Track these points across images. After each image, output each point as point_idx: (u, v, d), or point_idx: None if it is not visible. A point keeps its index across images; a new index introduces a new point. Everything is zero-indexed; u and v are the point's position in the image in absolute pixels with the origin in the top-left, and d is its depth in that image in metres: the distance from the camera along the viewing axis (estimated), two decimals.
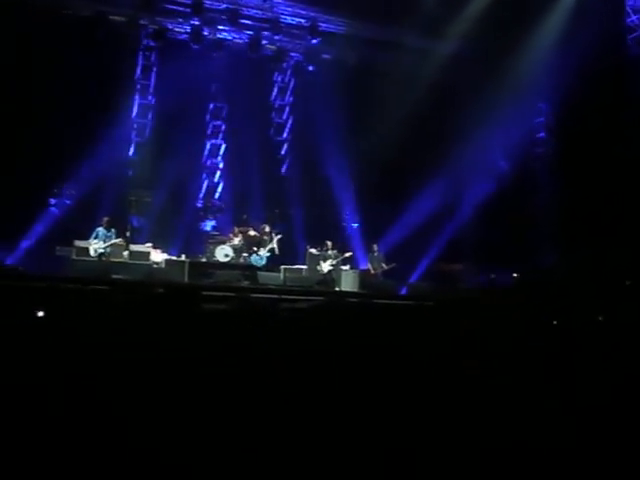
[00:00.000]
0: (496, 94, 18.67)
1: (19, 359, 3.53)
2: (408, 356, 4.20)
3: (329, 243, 17.68)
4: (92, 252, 15.45)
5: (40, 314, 4.48)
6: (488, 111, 18.63)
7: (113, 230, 15.80)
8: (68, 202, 17.27)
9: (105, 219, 15.84)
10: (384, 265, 17.91)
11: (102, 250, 15.48)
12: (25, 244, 16.46)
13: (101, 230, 15.62)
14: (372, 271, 17.87)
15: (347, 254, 17.79)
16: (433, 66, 19.70)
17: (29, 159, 15.79)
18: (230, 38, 19.73)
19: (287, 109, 20.96)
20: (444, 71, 19.73)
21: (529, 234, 19.71)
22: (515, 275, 18.49)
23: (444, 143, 19.30)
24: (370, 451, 3.10)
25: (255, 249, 17.26)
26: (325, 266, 17.41)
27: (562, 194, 19.19)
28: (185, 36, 19.13)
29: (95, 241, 15.52)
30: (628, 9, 18.94)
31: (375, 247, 18.37)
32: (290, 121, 20.93)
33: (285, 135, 20.90)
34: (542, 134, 20.72)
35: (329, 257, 17.49)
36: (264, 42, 19.94)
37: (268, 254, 17.25)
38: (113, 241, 15.68)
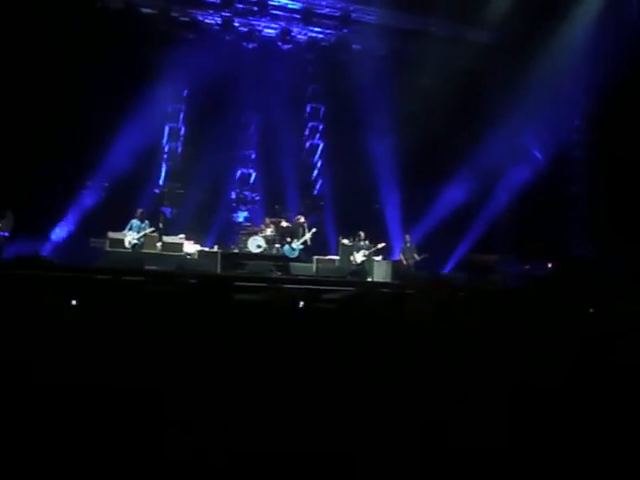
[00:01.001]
0: (530, 82, 18.44)
1: (54, 347, 3.55)
2: (441, 346, 4.15)
3: (362, 234, 17.62)
4: (127, 243, 15.61)
5: (74, 302, 4.51)
6: (523, 99, 18.40)
7: (147, 222, 15.95)
8: (101, 194, 17.45)
9: (139, 211, 16.02)
10: (416, 256, 17.82)
11: (135, 241, 15.65)
12: (59, 236, 16.72)
13: (135, 222, 15.79)
14: (404, 262, 17.78)
15: (380, 245, 17.70)
16: (466, 54, 19.44)
17: (62, 152, 15.99)
18: (261, 29, 19.76)
19: (319, 98, 20.88)
20: (477, 59, 19.50)
21: (564, 224, 19.48)
22: (550, 265, 18.27)
23: (478, 132, 19.12)
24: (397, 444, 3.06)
25: (289, 240, 17.26)
26: (358, 257, 17.38)
27: (598, 183, 18.89)
28: (216, 27, 19.24)
29: (129, 232, 15.70)
30: None
31: (407, 237, 18.30)
32: (322, 110, 20.88)
33: (317, 124, 20.86)
34: (578, 122, 20.36)
35: (362, 247, 17.45)
36: (295, 32, 19.96)
37: (301, 246, 17.25)
38: (145, 231, 15.83)
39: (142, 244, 15.74)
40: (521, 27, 18.67)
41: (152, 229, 15.99)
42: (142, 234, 15.74)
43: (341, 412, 3.14)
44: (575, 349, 4.31)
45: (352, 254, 17.42)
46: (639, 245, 16.55)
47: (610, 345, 4.51)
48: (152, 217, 16.42)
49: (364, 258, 17.39)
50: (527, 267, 18.38)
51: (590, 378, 3.75)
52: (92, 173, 17.25)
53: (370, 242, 17.57)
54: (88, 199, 17.21)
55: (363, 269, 17.31)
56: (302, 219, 17.74)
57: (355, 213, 18.82)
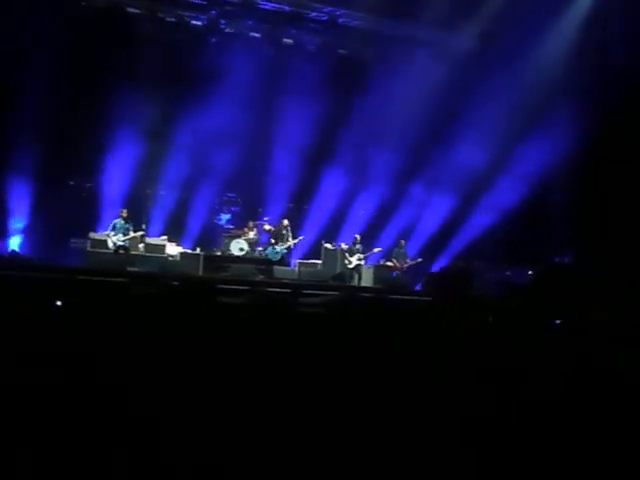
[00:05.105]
0: (515, 91, 18.50)
1: (35, 350, 3.51)
2: (421, 353, 4.17)
3: (358, 237, 17.70)
4: (110, 244, 15.41)
5: (58, 303, 4.48)
6: (507, 108, 18.45)
7: (130, 222, 15.77)
8: (84, 194, 17.30)
9: (123, 211, 15.81)
10: (408, 260, 17.91)
11: (122, 243, 15.45)
12: (39, 235, 16.53)
13: (119, 222, 15.57)
14: (398, 266, 17.82)
15: (376, 249, 17.83)
16: (451, 63, 19.45)
17: (44, 149, 15.88)
18: (247, 31, 19.66)
19: (303, 102, 20.69)
20: (463, 68, 19.50)
21: (546, 232, 19.56)
22: (530, 273, 18.37)
23: (462, 143, 19.13)
24: (375, 453, 3.06)
25: (272, 242, 17.24)
26: (354, 260, 17.41)
27: (581, 191, 19.03)
28: (202, 29, 19.13)
29: (112, 233, 15.48)
30: None
31: (402, 242, 18.35)
32: (305, 114, 20.70)
33: (301, 127, 20.66)
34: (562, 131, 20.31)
35: (357, 251, 17.47)
36: (281, 35, 19.90)
37: (285, 250, 17.24)
38: (135, 234, 15.65)
39: (128, 246, 15.57)
40: (507, 36, 18.70)
41: (141, 233, 15.83)
42: (130, 237, 15.54)
43: (333, 414, 3.13)
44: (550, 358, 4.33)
45: (346, 257, 17.41)
46: (619, 254, 16.72)
47: (587, 353, 4.53)
48: (135, 218, 16.27)
49: (359, 262, 17.44)
50: (507, 274, 18.47)
51: (573, 385, 3.77)
52: (75, 173, 17.11)
53: (365, 246, 17.65)
54: (71, 198, 16.99)
55: (347, 273, 17.27)
56: (286, 222, 17.72)
57: (340, 218, 18.91)
